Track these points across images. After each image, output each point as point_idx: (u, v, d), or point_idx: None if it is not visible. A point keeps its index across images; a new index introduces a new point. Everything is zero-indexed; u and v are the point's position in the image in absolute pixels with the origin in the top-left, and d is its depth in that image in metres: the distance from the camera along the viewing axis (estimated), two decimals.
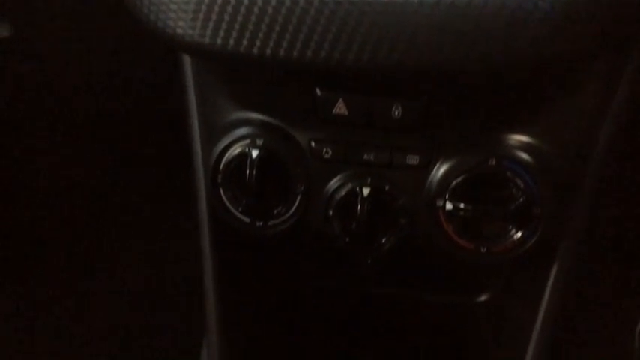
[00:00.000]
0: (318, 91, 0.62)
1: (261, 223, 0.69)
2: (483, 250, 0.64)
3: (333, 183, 0.67)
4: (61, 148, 1.24)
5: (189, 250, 0.82)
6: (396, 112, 0.62)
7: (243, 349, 0.78)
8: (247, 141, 0.66)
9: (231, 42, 0.54)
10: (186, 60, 0.67)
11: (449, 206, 0.63)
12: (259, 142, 0.66)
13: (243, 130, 0.67)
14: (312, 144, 0.66)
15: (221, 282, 0.74)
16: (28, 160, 1.25)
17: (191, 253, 0.79)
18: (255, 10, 0.52)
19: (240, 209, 0.68)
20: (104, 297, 1.34)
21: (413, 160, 0.64)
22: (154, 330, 1.28)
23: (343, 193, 0.66)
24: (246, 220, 0.69)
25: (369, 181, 0.65)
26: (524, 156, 0.62)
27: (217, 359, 0.74)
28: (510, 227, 0.63)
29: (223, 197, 0.69)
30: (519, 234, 0.63)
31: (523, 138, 0.63)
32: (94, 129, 1.13)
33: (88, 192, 1.33)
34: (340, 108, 0.63)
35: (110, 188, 1.32)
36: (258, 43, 0.53)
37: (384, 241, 0.67)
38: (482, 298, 0.81)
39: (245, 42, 0.53)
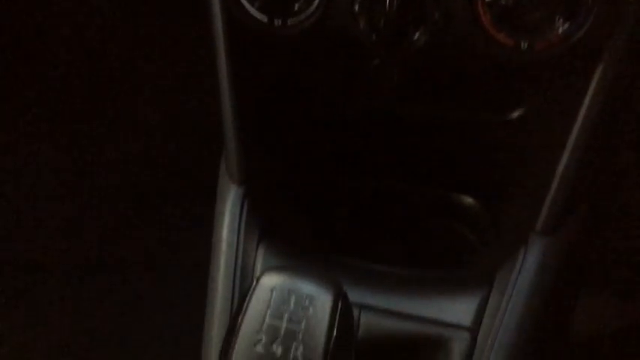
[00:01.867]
0: None
1: (279, 22, 0.63)
2: (524, 46, 0.58)
3: None
4: None
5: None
6: None
7: (260, 157, 0.75)
8: None
9: None
10: None
11: None
12: None
13: None
14: None
15: (237, 87, 0.69)
16: None
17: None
18: None
19: (256, 5, 0.63)
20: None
21: None
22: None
23: None
24: (264, 18, 0.63)
25: None
26: None
27: (235, 166, 0.72)
28: (557, 17, 0.57)
29: None
30: (565, 26, 0.57)
31: None
32: None
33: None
34: None
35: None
36: None
37: (415, 38, 0.61)
38: (516, 114, 0.76)
39: None
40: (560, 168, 0.66)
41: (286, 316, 0.46)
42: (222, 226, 0.72)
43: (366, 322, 0.66)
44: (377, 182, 0.85)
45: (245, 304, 0.46)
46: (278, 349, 0.44)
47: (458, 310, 0.68)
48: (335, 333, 0.45)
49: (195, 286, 0.82)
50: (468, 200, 0.85)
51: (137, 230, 1.29)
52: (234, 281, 0.69)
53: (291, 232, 0.74)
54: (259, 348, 0.45)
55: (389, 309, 0.70)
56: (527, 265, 0.66)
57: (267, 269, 0.48)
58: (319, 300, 0.46)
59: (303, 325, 0.45)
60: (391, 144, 0.82)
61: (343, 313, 0.47)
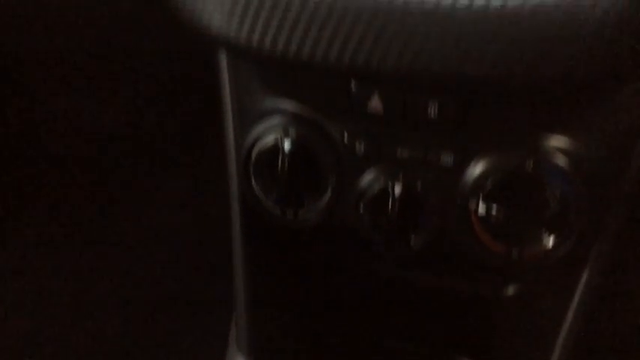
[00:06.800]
0: (354, 87, 0.61)
1: (291, 214, 0.69)
2: (515, 255, 0.64)
3: (365, 177, 0.66)
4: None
5: None
6: (432, 111, 0.60)
7: (271, 333, 0.78)
8: (279, 130, 0.66)
9: (267, 42, 0.53)
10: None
11: (481, 208, 0.62)
12: (292, 132, 0.65)
13: (275, 120, 0.66)
14: (346, 137, 0.65)
15: (251, 268, 0.75)
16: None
17: None
18: (292, 11, 0.51)
19: (270, 199, 0.68)
20: None
21: (447, 158, 0.63)
22: None
23: (375, 189, 0.65)
24: (277, 210, 0.69)
25: (401, 177, 0.65)
26: (562, 160, 0.60)
27: (245, 338, 0.75)
28: (544, 232, 0.62)
29: (254, 186, 0.69)
30: (552, 239, 0.62)
31: (562, 141, 0.61)
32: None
33: None
34: (375, 104, 0.62)
35: None
36: (294, 45, 0.52)
37: (412, 240, 0.66)
38: (511, 292, 0.80)
39: (281, 43, 0.52)
40: (560, 340, 0.70)
41: None
42: None
43: None
44: (380, 345, 0.88)
45: None
46: None
47: None
48: None
49: None
50: None
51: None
52: None
53: None
54: None
55: None
56: None
57: None
58: None
59: None
60: (393, 312, 0.86)
61: None
